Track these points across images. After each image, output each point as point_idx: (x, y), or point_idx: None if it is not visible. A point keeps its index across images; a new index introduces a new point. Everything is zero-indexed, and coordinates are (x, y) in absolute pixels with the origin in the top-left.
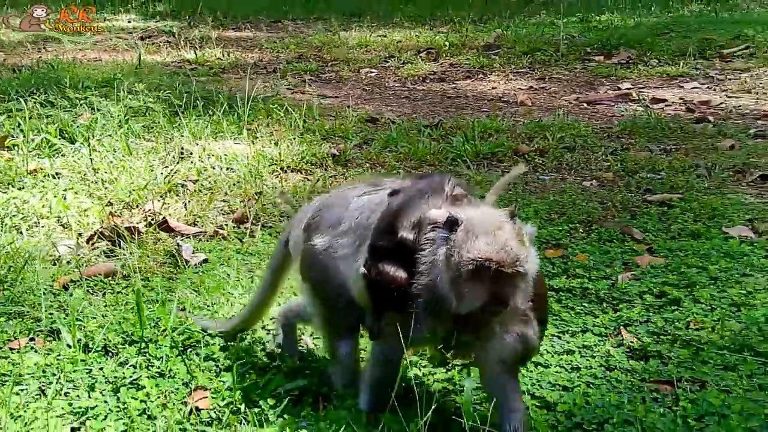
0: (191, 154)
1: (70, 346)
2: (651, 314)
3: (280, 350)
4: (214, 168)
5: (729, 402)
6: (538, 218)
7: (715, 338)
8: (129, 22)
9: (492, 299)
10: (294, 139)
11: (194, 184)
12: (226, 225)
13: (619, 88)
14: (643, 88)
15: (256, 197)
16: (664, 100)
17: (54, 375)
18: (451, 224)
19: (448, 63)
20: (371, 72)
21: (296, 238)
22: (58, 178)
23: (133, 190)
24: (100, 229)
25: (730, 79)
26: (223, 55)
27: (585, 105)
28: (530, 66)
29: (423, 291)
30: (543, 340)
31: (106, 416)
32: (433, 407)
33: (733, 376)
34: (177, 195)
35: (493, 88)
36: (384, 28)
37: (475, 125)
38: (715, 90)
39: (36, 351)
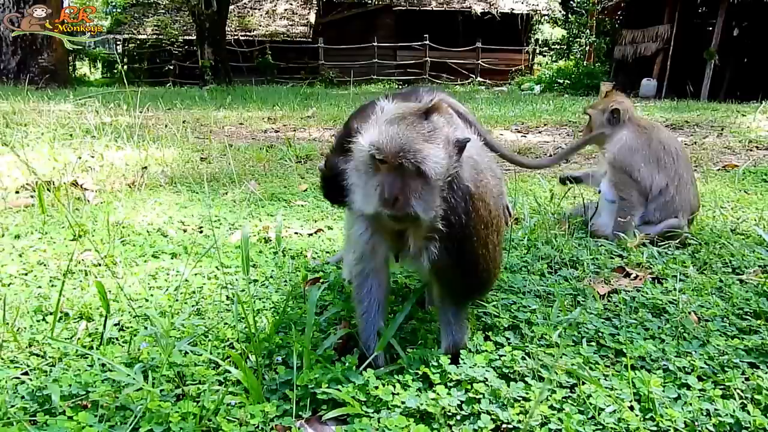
0: (102, 155)
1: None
2: None
3: None
4: (114, 162)
5: None
6: None
7: None
8: None
9: (380, 198)
10: (173, 149)
11: (100, 167)
12: (120, 187)
13: None
14: None
15: (143, 170)
16: None
17: None
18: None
19: (281, 124)
20: (231, 128)
21: None
22: None
23: (54, 168)
24: (24, 184)
25: None
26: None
27: None
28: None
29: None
30: (495, 273)
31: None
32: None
33: None
34: (87, 172)
35: (310, 135)
36: (241, 109)
37: (295, 144)
38: None
39: None
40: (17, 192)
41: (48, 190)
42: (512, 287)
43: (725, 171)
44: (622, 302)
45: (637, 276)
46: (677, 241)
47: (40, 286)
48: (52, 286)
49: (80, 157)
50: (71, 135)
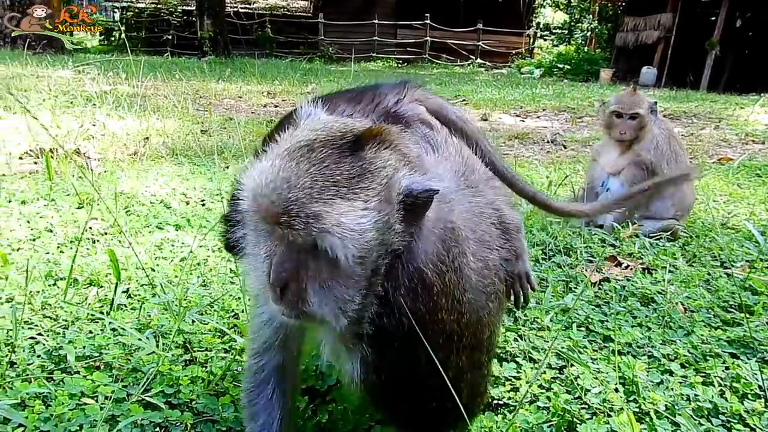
0: (104, 124)
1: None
2: None
3: None
4: (115, 132)
5: None
6: None
7: None
8: None
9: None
10: (173, 120)
11: (102, 136)
12: (123, 156)
13: None
14: None
15: (145, 140)
16: None
17: None
18: None
19: (281, 99)
20: (230, 101)
21: None
22: None
23: (57, 135)
24: (28, 150)
25: None
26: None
27: None
28: None
29: None
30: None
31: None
32: None
33: None
34: (89, 141)
35: None
36: (240, 82)
37: None
38: None
39: None
40: (20, 158)
41: (52, 157)
42: None
43: (720, 164)
44: (613, 290)
45: (628, 266)
46: (669, 234)
47: (48, 252)
48: (61, 252)
49: (82, 125)
50: (72, 102)
